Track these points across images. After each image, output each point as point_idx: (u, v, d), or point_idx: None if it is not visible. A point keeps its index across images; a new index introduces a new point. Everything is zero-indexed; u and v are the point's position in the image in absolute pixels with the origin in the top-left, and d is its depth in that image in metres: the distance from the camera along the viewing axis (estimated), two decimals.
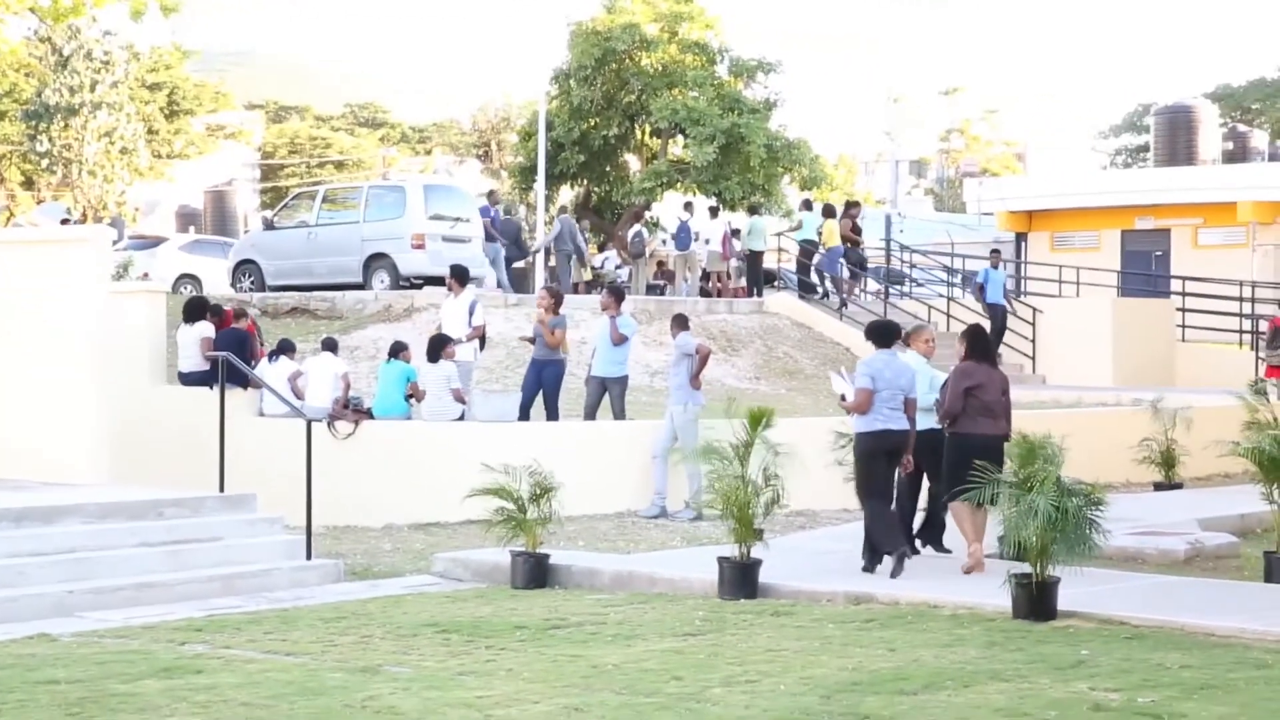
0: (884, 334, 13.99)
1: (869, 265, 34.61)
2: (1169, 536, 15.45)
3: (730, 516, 12.91)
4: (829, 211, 31.70)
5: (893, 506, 13.86)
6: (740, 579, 12.72)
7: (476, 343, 20.10)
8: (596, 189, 41.13)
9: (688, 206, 35.09)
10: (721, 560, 12.86)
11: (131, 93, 53.84)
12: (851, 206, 31.43)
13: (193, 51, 56.69)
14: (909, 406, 13.39)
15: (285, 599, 13.06)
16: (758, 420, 13.12)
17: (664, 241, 39.41)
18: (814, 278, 31.34)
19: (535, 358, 19.44)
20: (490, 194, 34.75)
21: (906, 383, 13.44)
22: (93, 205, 50.48)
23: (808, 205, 33.23)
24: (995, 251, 30.99)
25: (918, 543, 14.45)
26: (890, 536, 13.33)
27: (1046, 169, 75.17)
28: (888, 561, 13.13)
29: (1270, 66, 77.40)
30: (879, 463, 13.47)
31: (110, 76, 51.87)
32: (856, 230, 31.61)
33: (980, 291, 29.17)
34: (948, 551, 14.43)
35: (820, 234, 30.92)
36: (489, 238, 29.65)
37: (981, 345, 13.76)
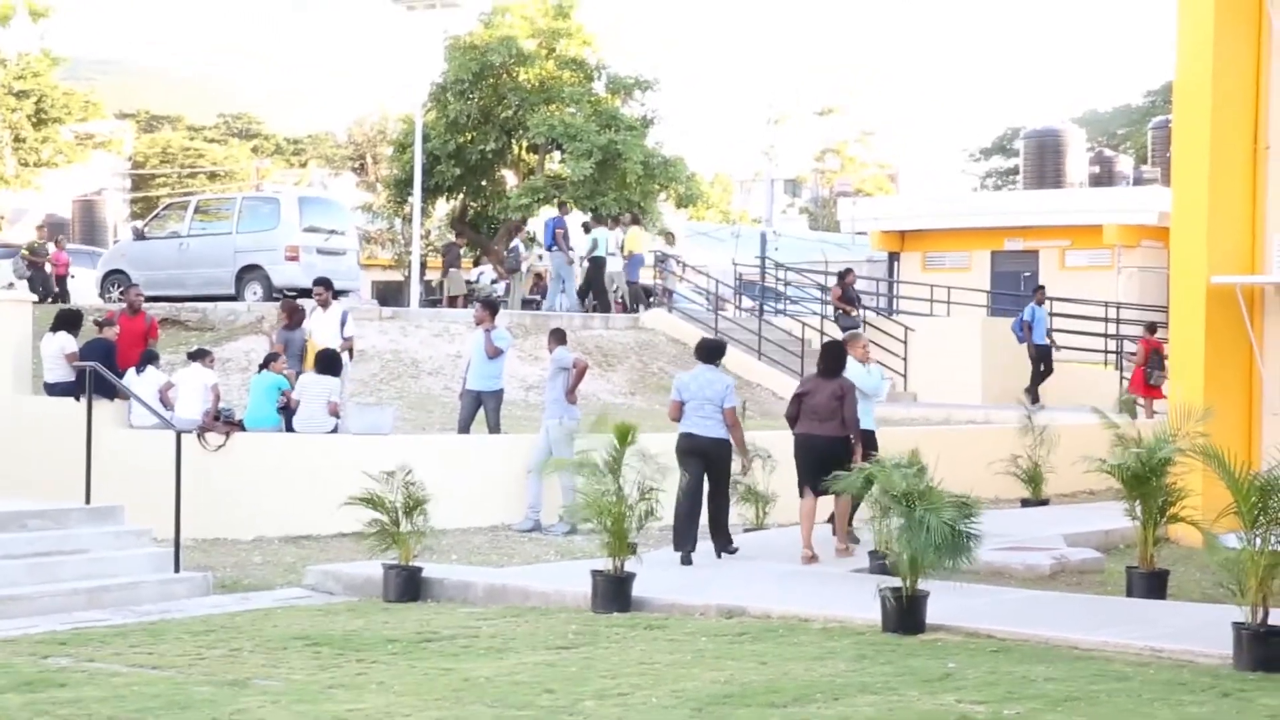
0: (703, 351, 15.75)
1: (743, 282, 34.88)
2: (1035, 552, 15.70)
3: (604, 530, 12.94)
4: (635, 220, 33.12)
5: (701, 506, 15.12)
6: (613, 592, 12.74)
7: (347, 354, 20.02)
8: (473, 203, 41.07)
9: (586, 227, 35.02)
10: (595, 574, 12.88)
11: None
12: (846, 274, 29.92)
13: (62, 59, 55.58)
14: (726, 415, 14.98)
15: (152, 612, 12.88)
16: (625, 435, 13.21)
17: (540, 257, 39.41)
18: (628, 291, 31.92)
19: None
20: (561, 205, 34.64)
21: (713, 394, 15.01)
22: None
23: (600, 221, 33.82)
24: (1040, 288, 29.76)
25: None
26: (677, 538, 14.99)
27: (919, 190, 76.10)
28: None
29: (1135, 93, 79.07)
30: (686, 462, 14.93)
31: None
32: (849, 300, 29.91)
33: (1028, 331, 28.34)
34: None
35: (622, 246, 31.60)
36: (559, 247, 30.32)
37: (826, 359, 15.49)
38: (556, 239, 31.73)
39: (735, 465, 15.50)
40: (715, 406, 15.03)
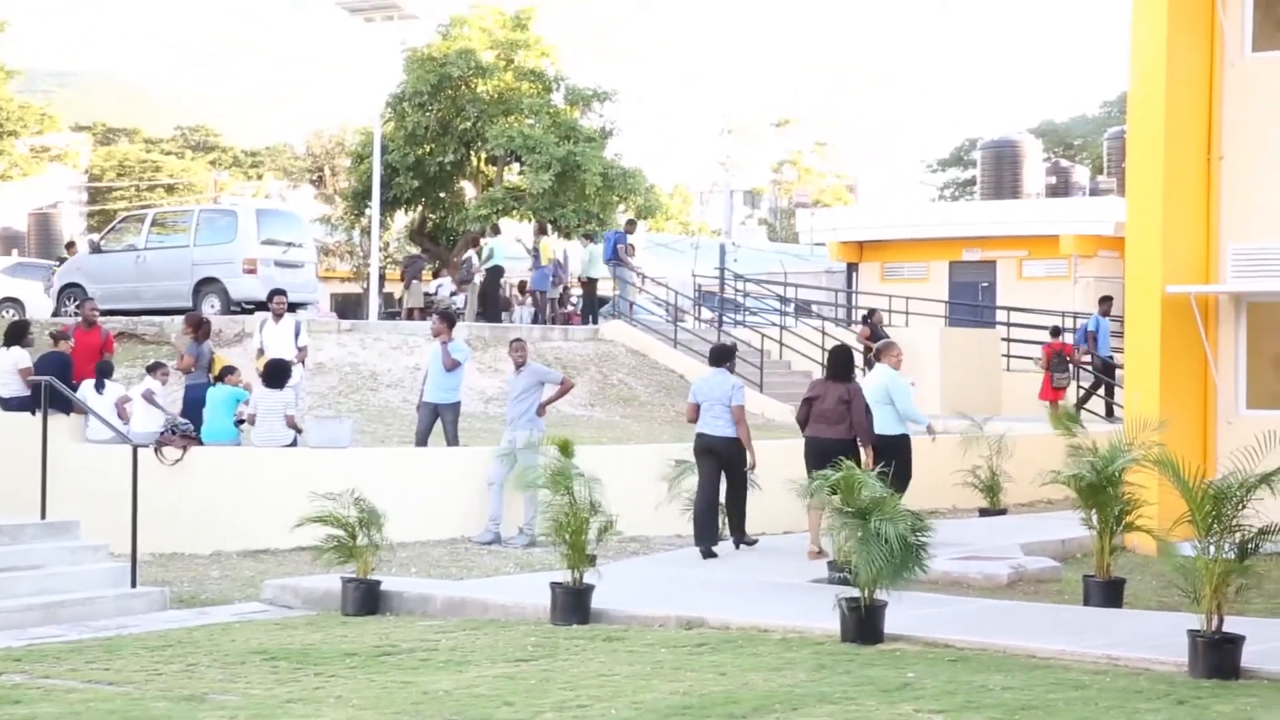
0: (715, 355, 16.91)
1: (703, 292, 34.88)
2: (992, 561, 15.74)
3: (563, 542, 12.93)
4: (542, 229, 33.55)
5: (719, 502, 16.26)
6: (573, 604, 12.73)
7: (301, 365, 20.01)
8: (432, 215, 41.02)
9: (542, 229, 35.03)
10: (554, 586, 12.87)
11: None
12: (872, 314, 29.05)
13: (16, 71, 55.20)
14: (734, 411, 15.98)
15: (109, 627, 12.81)
16: (566, 447, 13.27)
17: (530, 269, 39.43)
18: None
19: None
20: (629, 222, 34.72)
21: (722, 394, 16.06)
22: None
23: (496, 230, 34.18)
24: (1106, 299, 29.13)
25: None
26: (697, 533, 16.12)
27: (877, 201, 76.39)
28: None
29: (1091, 104, 79.62)
30: (701, 461, 16.20)
31: None
32: (875, 336, 27.88)
33: (1093, 342, 28.20)
34: None
35: (535, 253, 32.14)
36: (621, 263, 30.80)
37: (833, 364, 16.27)
38: (618, 253, 31.79)
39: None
40: (725, 407, 16.04)
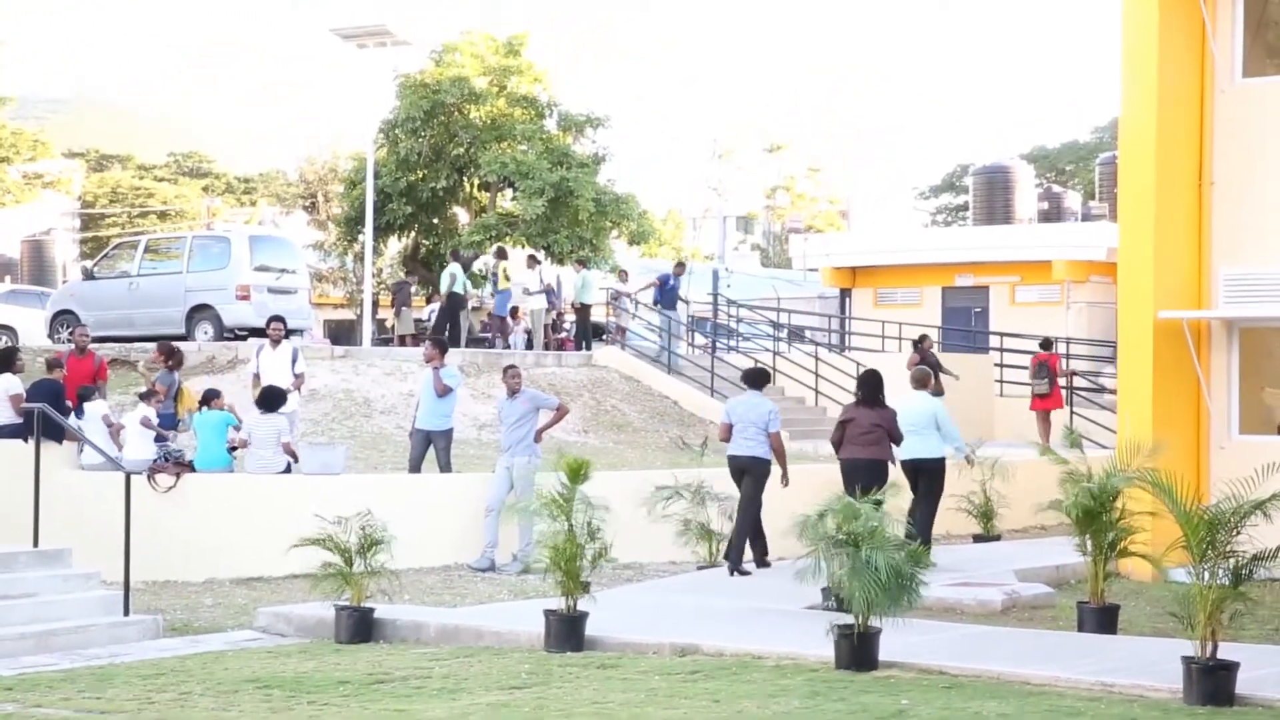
0: (749, 378, 17.53)
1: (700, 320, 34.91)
2: (987, 588, 15.75)
3: (557, 569, 12.92)
4: (501, 254, 33.58)
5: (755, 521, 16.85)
6: (567, 632, 12.72)
7: (297, 392, 19.99)
8: (425, 241, 41.04)
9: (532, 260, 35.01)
10: (548, 613, 12.86)
11: None
12: (923, 340, 28.29)
13: (9, 98, 55.38)
14: (772, 439, 16.67)
15: (101, 656, 12.77)
16: (576, 472, 13.20)
17: (492, 295, 39.37)
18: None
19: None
20: (679, 264, 34.63)
21: (756, 417, 16.66)
22: None
23: (456, 257, 34.18)
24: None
25: None
26: (729, 552, 16.79)
27: (870, 227, 76.47)
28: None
29: (1083, 130, 79.63)
30: (736, 479, 16.89)
31: None
32: (929, 365, 28.67)
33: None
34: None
35: (494, 279, 32.27)
36: (669, 305, 30.70)
37: (865, 388, 16.89)
38: (663, 293, 31.88)
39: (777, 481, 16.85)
40: (759, 429, 16.69)
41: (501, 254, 34.04)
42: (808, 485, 16.27)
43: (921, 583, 12.01)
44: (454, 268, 32.83)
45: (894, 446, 16.76)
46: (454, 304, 32.20)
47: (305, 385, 21.48)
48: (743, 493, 16.94)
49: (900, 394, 17.86)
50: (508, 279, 33.17)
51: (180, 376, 20.06)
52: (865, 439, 16.47)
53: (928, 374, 18.66)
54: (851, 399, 17.62)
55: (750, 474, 16.79)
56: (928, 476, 17.29)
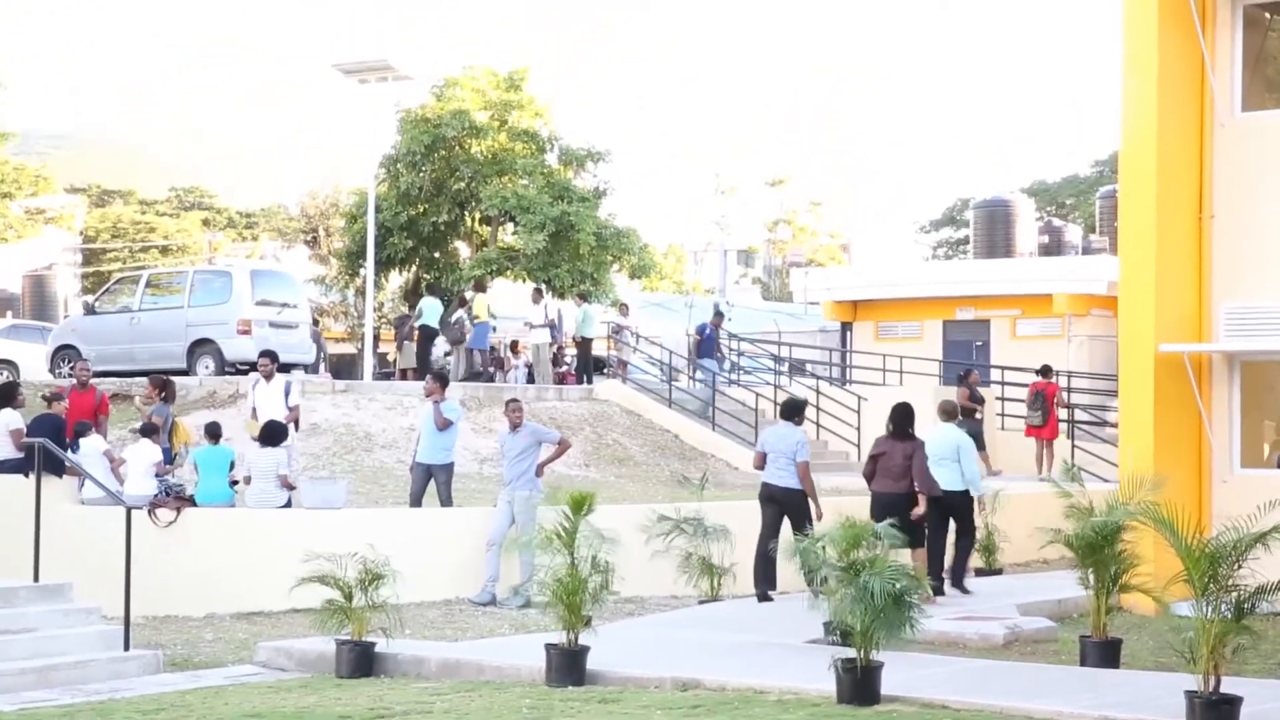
0: (785, 409, 17.93)
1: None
2: (989, 621, 15.72)
3: (559, 603, 12.89)
4: (479, 287, 33.70)
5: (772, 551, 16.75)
6: (568, 666, 12.68)
7: (293, 425, 20.00)
8: (426, 275, 41.09)
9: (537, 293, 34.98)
10: (549, 647, 12.82)
11: None
12: (969, 374, 28.69)
13: (11, 133, 55.40)
14: (799, 468, 16.84)
15: (101, 691, 12.74)
16: (579, 505, 13.19)
17: (493, 329, 39.38)
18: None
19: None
20: (717, 313, 34.70)
21: (786, 447, 16.95)
22: None
23: (431, 290, 34.11)
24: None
25: (945, 584, 17.55)
26: (756, 578, 17.09)
27: (870, 260, 76.50)
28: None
29: (1083, 164, 79.82)
30: (764, 508, 17.08)
31: None
32: (976, 399, 27.79)
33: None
34: (968, 592, 17.84)
35: (470, 313, 32.25)
36: (708, 355, 30.92)
37: (896, 421, 17.10)
38: (707, 340, 32.17)
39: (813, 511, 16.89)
40: (789, 459, 16.93)
41: (479, 287, 34.08)
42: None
43: (921, 612, 11.98)
44: (426, 301, 32.85)
45: (923, 481, 16.97)
46: (426, 336, 32.20)
47: (305, 419, 21.49)
48: (766, 521, 17.06)
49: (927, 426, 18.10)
50: (493, 315, 33.16)
51: (173, 410, 20.07)
52: (895, 471, 16.81)
53: (955, 406, 18.96)
54: (882, 432, 17.71)
55: (780, 503, 16.91)
56: (953, 509, 17.63)
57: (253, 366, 25.90)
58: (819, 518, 16.74)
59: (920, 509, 16.76)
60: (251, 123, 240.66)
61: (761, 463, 17.24)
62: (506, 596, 17.36)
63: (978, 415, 27.66)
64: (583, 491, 13.47)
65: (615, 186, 40.76)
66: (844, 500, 18.01)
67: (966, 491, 17.80)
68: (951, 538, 18.05)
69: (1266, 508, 11.45)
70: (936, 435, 17.78)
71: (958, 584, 18.04)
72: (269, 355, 20.76)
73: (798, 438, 17.13)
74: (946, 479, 17.43)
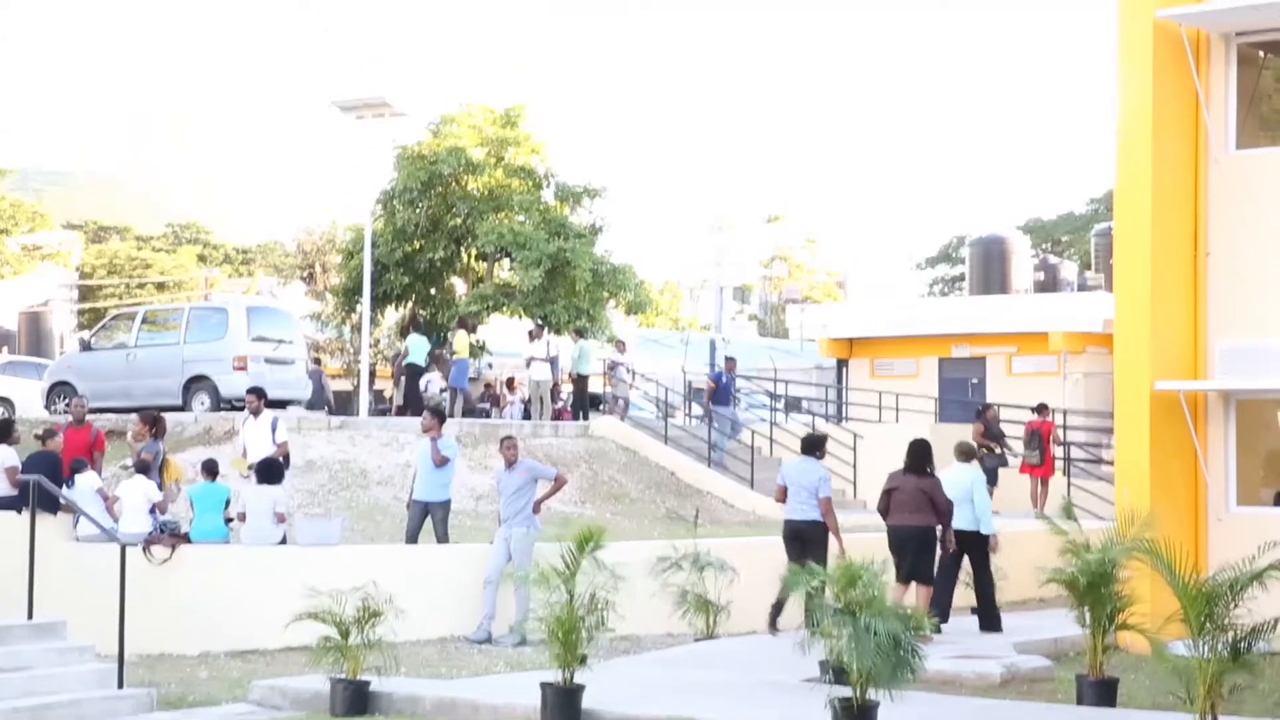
0: (806, 444, 17.83)
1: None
2: (985, 660, 15.67)
3: (555, 640, 12.85)
4: (462, 324, 33.67)
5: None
6: (563, 704, 12.64)
7: (282, 459, 19.98)
8: (422, 311, 41.10)
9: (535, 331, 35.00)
10: (544, 686, 12.78)
11: None
12: (987, 410, 28.82)
13: (9, 170, 55.61)
14: (821, 504, 16.95)
15: None
16: (585, 542, 13.16)
17: (489, 365, 39.42)
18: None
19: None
20: (729, 360, 34.62)
21: (807, 482, 17.06)
22: None
23: (416, 327, 34.17)
24: None
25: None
26: (771, 615, 17.11)
27: (866, 297, 76.59)
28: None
29: (1078, 201, 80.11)
30: (788, 548, 16.91)
31: None
32: (993, 436, 27.97)
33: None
34: (998, 630, 17.77)
35: (452, 349, 32.19)
36: (723, 402, 30.74)
37: (912, 457, 17.12)
38: (714, 393, 32.15)
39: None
40: (810, 493, 17.03)
41: (462, 324, 34.06)
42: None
43: (921, 654, 11.95)
44: (413, 339, 32.86)
45: (945, 514, 17.02)
46: (412, 374, 32.18)
47: (301, 456, 21.46)
48: (792, 559, 16.68)
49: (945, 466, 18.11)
50: (482, 349, 33.13)
51: (165, 446, 20.03)
52: (910, 505, 16.88)
53: (972, 447, 18.93)
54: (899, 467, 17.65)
55: (802, 538, 16.87)
56: (967, 549, 17.64)
57: (273, 403, 25.94)
58: (842, 554, 16.54)
59: (951, 542, 17.11)
60: (248, 159, 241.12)
61: (783, 496, 17.31)
62: (503, 634, 17.31)
63: (997, 450, 27.94)
64: (591, 526, 13.45)
65: (611, 223, 40.81)
66: (858, 536, 18.13)
67: (978, 531, 17.80)
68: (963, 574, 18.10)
69: (1265, 548, 11.44)
70: (952, 475, 17.78)
71: (994, 627, 17.87)
72: (255, 392, 20.72)
73: (820, 473, 17.26)
74: (960, 519, 17.45)
